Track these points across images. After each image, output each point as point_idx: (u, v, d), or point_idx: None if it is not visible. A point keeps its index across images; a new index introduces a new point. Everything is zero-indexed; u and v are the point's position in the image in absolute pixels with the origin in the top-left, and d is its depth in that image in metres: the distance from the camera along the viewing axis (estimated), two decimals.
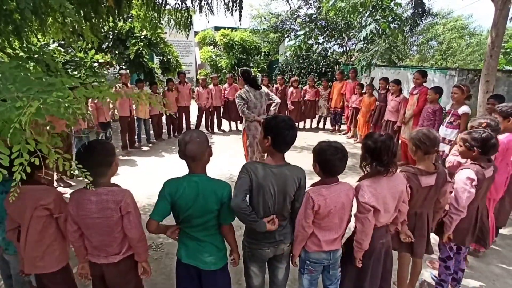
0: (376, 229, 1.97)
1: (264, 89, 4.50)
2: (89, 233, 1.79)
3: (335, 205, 1.85)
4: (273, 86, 8.69)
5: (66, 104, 1.10)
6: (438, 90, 4.90)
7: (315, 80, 9.44)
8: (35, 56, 2.28)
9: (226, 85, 8.26)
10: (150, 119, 7.09)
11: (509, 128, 2.85)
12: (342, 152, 1.84)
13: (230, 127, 8.56)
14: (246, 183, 1.78)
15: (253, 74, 4.53)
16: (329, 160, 1.83)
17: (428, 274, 2.95)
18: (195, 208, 1.75)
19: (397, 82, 6.01)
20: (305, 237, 1.93)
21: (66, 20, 2.87)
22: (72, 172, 1.41)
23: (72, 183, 4.71)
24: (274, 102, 4.52)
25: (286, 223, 1.96)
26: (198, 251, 1.84)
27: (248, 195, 1.81)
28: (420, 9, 8.87)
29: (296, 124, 8.76)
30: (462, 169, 2.31)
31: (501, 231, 3.47)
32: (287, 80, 9.46)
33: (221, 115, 8.39)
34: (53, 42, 5.37)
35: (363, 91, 7.34)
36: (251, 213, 1.76)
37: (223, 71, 12.81)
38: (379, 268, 2.09)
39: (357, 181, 1.99)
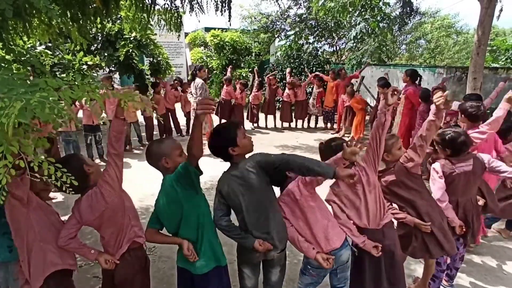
0: (367, 230, 2.02)
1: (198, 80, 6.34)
2: (102, 229, 1.83)
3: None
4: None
5: (51, 105, 1.07)
6: (423, 95, 4.95)
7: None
8: (21, 58, 2.23)
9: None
10: (145, 122, 7.06)
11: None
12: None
13: None
14: (218, 200, 1.89)
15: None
16: None
17: (421, 270, 2.97)
18: (169, 211, 1.82)
19: (383, 86, 6.03)
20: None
21: (52, 22, 2.81)
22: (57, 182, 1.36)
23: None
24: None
25: (275, 227, 1.89)
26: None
27: (226, 210, 1.91)
28: (408, 8, 8.99)
29: (288, 124, 8.82)
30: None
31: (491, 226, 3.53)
32: (278, 80, 9.48)
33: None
34: (40, 44, 5.27)
35: (356, 90, 7.41)
36: (233, 229, 1.87)
37: (214, 72, 12.75)
38: (379, 272, 2.07)
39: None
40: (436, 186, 2.32)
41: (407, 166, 2.18)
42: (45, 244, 1.79)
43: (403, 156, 2.21)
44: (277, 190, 2.04)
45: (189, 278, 1.88)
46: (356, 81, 8.13)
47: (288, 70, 8.94)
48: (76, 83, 1.36)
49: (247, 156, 1.90)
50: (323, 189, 2.04)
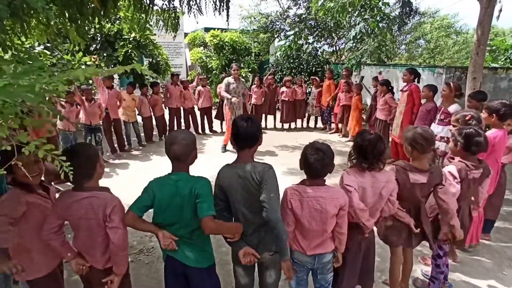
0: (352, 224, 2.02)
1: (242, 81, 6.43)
2: (75, 232, 1.81)
3: (312, 209, 1.85)
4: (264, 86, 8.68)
5: (41, 86, 1.04)
6: (432, 88, 4.82)
7: (305, 79, 9.48)
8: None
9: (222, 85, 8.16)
10: (143, 122, 7.05)
11: (495, 124, 2.90)
12: (322, 153, 1.82)
13: (222, 128, 8.50)
14: (217, 191, 1.86)
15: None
16: (306, 159, 1.85)
17: (420, 270, 2.97)
18: (171, 208, 1.75)
19: (382, 84, 6.01)
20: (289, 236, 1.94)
21: (50, 22, 2.80)
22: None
23: (61, 188, 4.61)
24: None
25: (263, 232, 1.86)
26: (181, 249, 1.82)
27: (223, 205, 1.89)
28: (407, 8, 8.97)
29: (288, 124, 8.83)
30: (447, 165, 2.37)
31: None
32: (278, 80, 9.47)
33: (214, 116, 8.34)
34: (39, 44, 5.25)
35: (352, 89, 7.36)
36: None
37: (214, 72, 12.74)
38: (357, 265, 2.13)
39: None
40: (452, 192, 2.22)
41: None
42: (40, 244, 1.83)
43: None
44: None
45: (181, 271, 1.86)
46: (356, 81, 8.12)
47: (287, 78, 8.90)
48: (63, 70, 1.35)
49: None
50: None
